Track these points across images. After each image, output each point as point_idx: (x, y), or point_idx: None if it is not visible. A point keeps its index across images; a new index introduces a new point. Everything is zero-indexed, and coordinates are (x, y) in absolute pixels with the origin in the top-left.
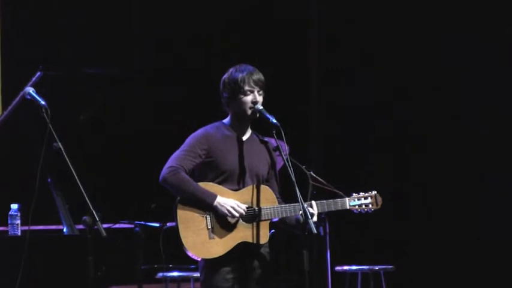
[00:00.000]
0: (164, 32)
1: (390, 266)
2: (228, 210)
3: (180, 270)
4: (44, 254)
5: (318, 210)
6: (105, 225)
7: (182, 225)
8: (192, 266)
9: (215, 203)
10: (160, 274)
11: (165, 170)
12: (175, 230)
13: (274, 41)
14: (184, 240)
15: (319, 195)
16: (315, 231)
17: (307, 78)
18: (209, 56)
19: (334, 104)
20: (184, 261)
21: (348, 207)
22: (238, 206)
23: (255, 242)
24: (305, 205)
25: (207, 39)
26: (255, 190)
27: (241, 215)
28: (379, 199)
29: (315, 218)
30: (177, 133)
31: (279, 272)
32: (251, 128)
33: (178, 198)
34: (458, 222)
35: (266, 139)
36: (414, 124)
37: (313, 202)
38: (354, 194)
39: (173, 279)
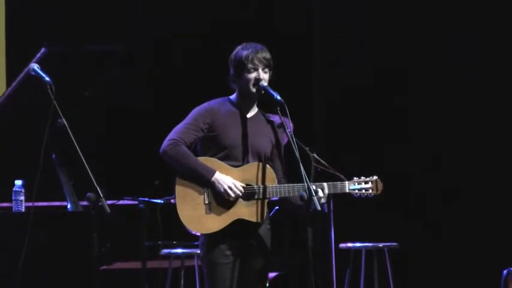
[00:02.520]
0: (166, 10)
1: (394, 243)
2: (225, 190)
3: (184, 247)
4: (48, 230)
5: (328, 191)
6: (109, 202)
7: (180, 198)
8: (196, 243)
9: (213, 179)
10: (164, 251)
11: (165, 143)
12: (174, 205)
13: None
14: (180, 214)
15: (320, 177)
16: (319, 208)
17: (308, 71)
18: (210, 35)
19: (335, 95)
20: (188, 238)
21: (347, 191)
22: (235, 185)
23: (252, 219)
24: (309, 182)
25: (208, 21)
26: (255, 168)
27: (237, 196)
28: (380, 185)
29: (323, 200)
30: (181, 109)
31: (283, 249)
32: (257, 107)
33: (178, 172)
34: (463, 200)
35: (272, 118)
36: (415, 119)
37: (325, 184)
38: (355, 178)
39: (177, 256)
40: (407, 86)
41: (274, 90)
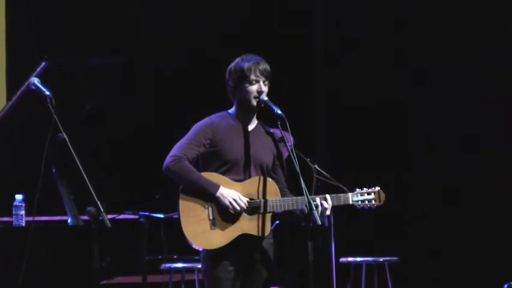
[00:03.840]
0: (167, 22)
1: (395, 258)
2: (230, 203)
3: (184, 261)
4: (49, 244)
5: (332, 203)
6: (109, 216)
7: (184, 214)
8: (197, 257)
9: (217, 194)
10: (164, 265)
11: (168, 159)
12: (177, 220)
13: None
14: (185, 230)
15: (323, 189)
16: (319, 222)
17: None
18: (211, 46)
19: (337, 100)
20: (188, 252)
21: (350, 203)
22: (240, 199)
23: (256, 233)
24: (310, 196)
25: (209, 28)
26: (258, 182)
27: (242, 208)
28: (382, 195)
29: (328, 212)
30: (181, 122)
31: (283, 263)
32: (256, 119)
33: (181, 187)
34: (463, 215)
35: (271, 130)
36: (416, 123)
37: (328, 196)
38: (357, 190)
39: (177, 270)
40: (407, 88)
41: (275, 95)
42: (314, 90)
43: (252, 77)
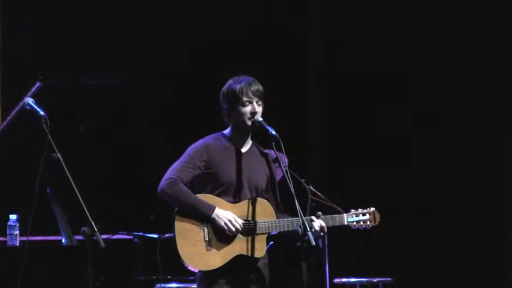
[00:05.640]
0: (164, 42)
1: (389, 279)
2: (225, 224)
3: (178, 281)
4: (43, 264)
5: (327, 224)
6: (103, 236)
7: (180, 236)
8: (191, 278)
9: (213, 215)
10: (158, 285)
11: (163, 182)
12: (173, 241)
13: (274, 51)
14: (181, 252)
15: (318, 210)
16: (313, 243)
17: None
18: (208, 64)
19: (333, 112)
20: (182, 272)
21: (345, 223)
22: (235, 220)
23: (251, 255)
24: (304, 217)
25: (207, 46)
26: (253, 203)
27: (237, 230)
28: (377, 216)
29: (323, 233)
30: (176, 143)
31: (277, 284)
32: (251, 140)
33: (176, 209)
34: (459, 233)
35: (266, 151)
36: (413, 146)
37: (320, 216)
38: (352, 210)
39: None
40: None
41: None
42: (310, 98)
43: (245, 98)
